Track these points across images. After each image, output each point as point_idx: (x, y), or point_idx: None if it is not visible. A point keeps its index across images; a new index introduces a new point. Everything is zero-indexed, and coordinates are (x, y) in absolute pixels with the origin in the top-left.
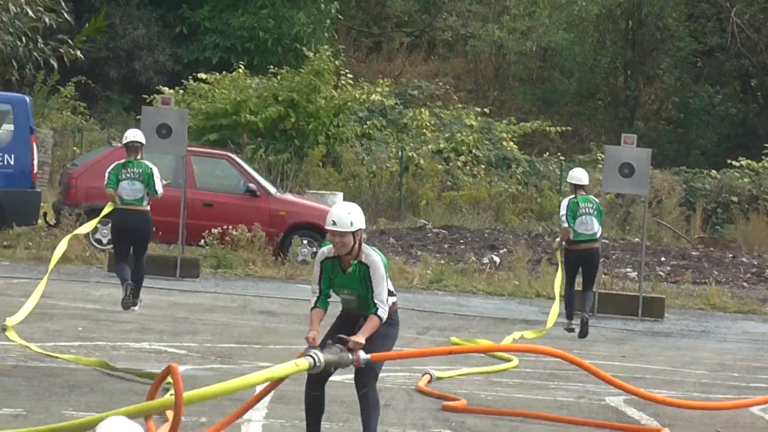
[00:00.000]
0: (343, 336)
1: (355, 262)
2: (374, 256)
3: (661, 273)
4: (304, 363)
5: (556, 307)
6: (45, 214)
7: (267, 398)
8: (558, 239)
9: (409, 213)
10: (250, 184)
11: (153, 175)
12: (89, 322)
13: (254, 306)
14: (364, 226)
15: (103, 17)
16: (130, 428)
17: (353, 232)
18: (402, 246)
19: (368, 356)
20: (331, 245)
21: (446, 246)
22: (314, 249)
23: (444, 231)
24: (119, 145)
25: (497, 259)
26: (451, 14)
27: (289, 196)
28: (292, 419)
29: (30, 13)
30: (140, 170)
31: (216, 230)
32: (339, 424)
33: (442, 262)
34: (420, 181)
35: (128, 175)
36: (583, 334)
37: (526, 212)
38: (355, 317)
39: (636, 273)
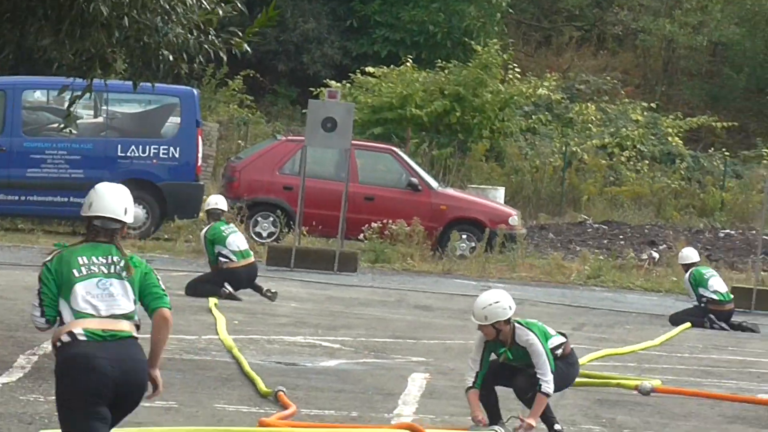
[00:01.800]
0: (520, 417)
1: (511, 347)
2: (528, 336)
3: None
4: None
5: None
6: None
7: (418, 394)
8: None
9: (570, 208)
10: (412, 178)
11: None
12: (245, 315)
13: (410, 300)
14: (506, 317)
15: (274, 8)
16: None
17: (491, 324)
18: (561, 241)
19: None
20: None
21: (605, 242)
22: (473, 244)
23: (604, 226)
24: (284, 138)
25: (656, 255)
26: (623, 8)
27: (450, 191)
28: (442, 414)
29: (205, 4)
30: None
31: (375, 224)
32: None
33: (601, 257)
34: (582, 176)
35: (231, 230)
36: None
37: (688, 208)
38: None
39: None
